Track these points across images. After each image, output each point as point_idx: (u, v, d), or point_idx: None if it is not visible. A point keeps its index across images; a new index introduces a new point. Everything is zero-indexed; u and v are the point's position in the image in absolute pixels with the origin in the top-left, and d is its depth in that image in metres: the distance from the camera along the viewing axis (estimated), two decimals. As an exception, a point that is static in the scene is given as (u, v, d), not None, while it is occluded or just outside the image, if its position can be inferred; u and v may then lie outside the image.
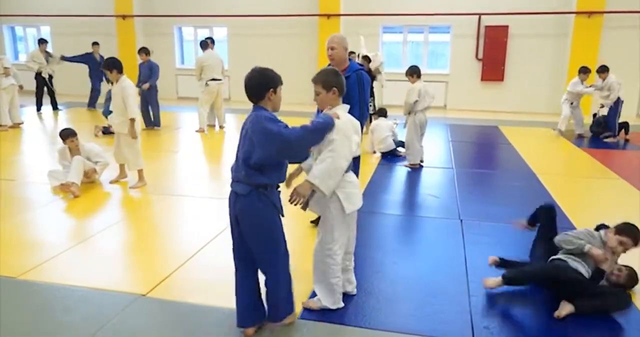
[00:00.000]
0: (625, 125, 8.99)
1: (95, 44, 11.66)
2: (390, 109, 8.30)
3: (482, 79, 12.60)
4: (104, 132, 8.65)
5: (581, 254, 3.27)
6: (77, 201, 5.27)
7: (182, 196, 5.53)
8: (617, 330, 2.99)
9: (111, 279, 3.52)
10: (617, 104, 8.82)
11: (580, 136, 9.15)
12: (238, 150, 2.71)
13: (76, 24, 14.47)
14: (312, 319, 2.99)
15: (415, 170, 6.77)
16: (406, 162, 6.96)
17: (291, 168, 2.96)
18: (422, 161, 6.92)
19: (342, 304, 3.10)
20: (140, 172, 5.79)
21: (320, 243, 3.00)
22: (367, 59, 8.93)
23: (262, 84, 2.66)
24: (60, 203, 5.23)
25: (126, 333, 2.86)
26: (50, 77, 11.49)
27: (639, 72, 11.31)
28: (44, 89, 11.46)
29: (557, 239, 3.41)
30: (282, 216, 2.78)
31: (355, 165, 3.41)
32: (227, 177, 6.09)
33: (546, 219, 3.74)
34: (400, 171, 6.78)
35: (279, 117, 2.67)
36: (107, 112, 8.31)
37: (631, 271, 3.43)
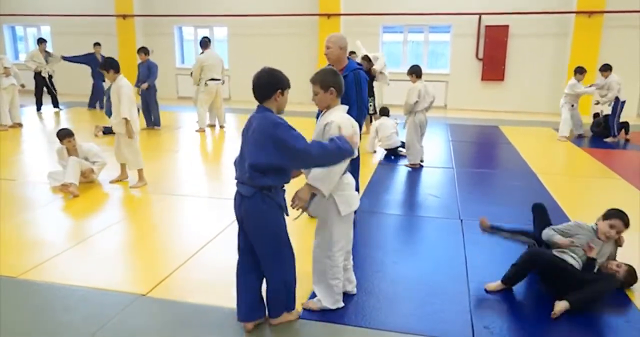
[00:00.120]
0: (625, 125, 8.98)
1: (97, 44, 11.65)
2: (390, 109, 8.30)
3: (482, 79, 12.60)
4: (104, 132, 8.65)
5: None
6: (78, 200, 5.27)
7: (182, 196, 5.54)
8: (618, 330, 2.99)
9: (111, 278, 3.52)
10: (617, 104, 8.78)
11: (580, 136, 9.14)
12: (242, 151, 2.71)
13: (76, 23, 14.47)
14: (312, 319, 2.99)
15: (416, 170, 6.77)
16: (406, 162, 6.96)
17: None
18: (422, 161, 6.92)
19: (342, 304, 3.10)
20: (140, 171, 5.79)
21: (320, 245, 3.00)
22: (367, 59, 8.92)
23: (270, 84, 2.67)
24: (61, 203, 5.23)
25: (126, 333, 2.86)
26: (50, 76, 11.49)
27: (639, 72, 11.31)
28: (43, 88, 11.46)
29: (542, 236, 3.57)
30: (287, 215, 2.79)
31: (354, 166, 3.41)
32: (227, 177, 6.11)
33: (541, 218, 3.86)
34: (401, 171, 6.78)
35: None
36: (109, 113, 8.31)
37: (630, 268, 3.44)
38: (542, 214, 3.89)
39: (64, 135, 5.70)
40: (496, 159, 8.04)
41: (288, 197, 2.80)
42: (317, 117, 3.12)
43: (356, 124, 3.00)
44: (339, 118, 2.85)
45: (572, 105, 9.05)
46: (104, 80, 11.59)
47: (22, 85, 9.82)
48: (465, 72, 12.66)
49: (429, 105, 6.80)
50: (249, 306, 2.85)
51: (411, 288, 3.43)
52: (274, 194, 2.68)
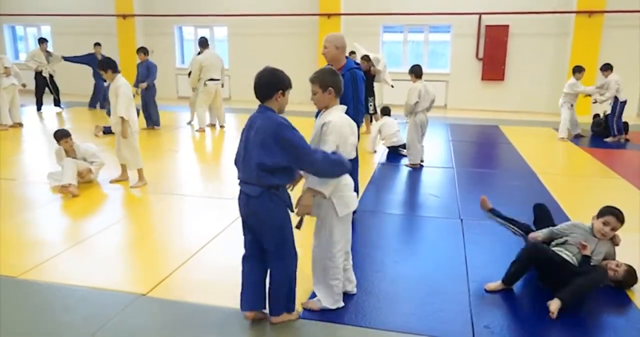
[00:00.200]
0: (625, 125, 8.96)
1: (97, 44, 11.64)
2: (391, 109, 8.30)
3: (482, 79, 12.60)
4: (104, 132, 8.65)
5: (564, 244, 3.47)
6: (78, 200, 5.27)
7: (182, 196, 5.54)
8: (618, 330, 2.98)
9: (111, 278, 3.52)
10: (616, 103, 8.75)
11: (578, 136, 9.11)
12: (245, 150, 2.71)
13: (76, 23, 14.47)
14: (312, 319, 2.99)
15: (416, 170, 6.77)
16: (407, 162, 6.96)
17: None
18: (422, 161, 6.92)
19: (342, 304, 3.10)
20: (140, 171, 5.79)
21: (319, 246, 3.00)
22: (366, 58, 8.92)
23: (271, 84, 2.68)
24: (61, 203, 5.23)
25: (126, 333, 2.86)
26: (51, 76, 11.49)
27: (639, 72, 11.30)
28: (44, 88, 11.45)
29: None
30: (292, 211, 2.83)
31: (352, 166, 3.40)
32: (227, 176, 6.11)
33: (542, 218, 3.90)
34: (401, 171, 6.78)
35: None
36: (110, 112, 8.32)
37: (630, 268, 3.44)
38: (544, 214, 3.92)
39: (61, 136, 5.69)
40: (496, 159, 8.04)
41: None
42: (316, 117, 3.12)
43: (354, 125, 3.00)
44: (338, 118, 2.85)
45: (572, 105, 9.05)
46: (105, 80, 11.60)
47: (24, 85, 9.82)
48: (465, 72, 12.66)
49: (430, 105, 6.79)
50: (250, 295, 2.90)
51: (411, 288, 3.43)
52: (281, 192, 2.72)
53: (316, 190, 2.79)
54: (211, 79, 9.18)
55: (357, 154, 3.60)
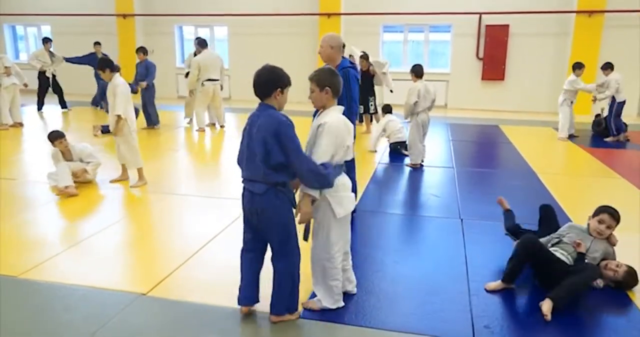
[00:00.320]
0: (624, 125, 8.95)
1: (97, 43, 11.64)
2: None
3: (482, 78, 12.60)
4: (102, 131, 8.64)
5: (559, 243, 3.51)
6: (77, 200, 5.27)
7: (182, 195, 5.53)
8: (618, 330, 2.98)
9: (112, 278, 3.52)
10: (613, 104, 8.72)
11: (572, 136, 9.00)
12: (248, 148, 2.71)
13: (77, 23, 14.48)
14: (312, 318, 2.99)
15: (416, 169, 6.76)
16: (407, 162, 6.96)
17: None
18: (422, 161, 6.91)
19: (342, 304, 3.09)
20: (139, 170, 5.79)
21: (318, 247, 2.99)
22: (365, 58, 8.92)
23: (270, 82, 2.69)
24: (61, 202, 5.22)
25: (126, 332, 2.86)
26: (54, 76, 11.48)
27: (639, 72, 11.30)
28: (47, 88, 11.44)
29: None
30: (295, 208, 2.84)
31: (350, 167, 3.40)
32: (227, 176, 6.11)
33: (547, 220, 3.89)
34: (401, 171, 6.78)
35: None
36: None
37: (630, 269, 3.43)
38: (549, 215, 3.92)
39: (55, 137, 5.67)
40: (496, 159, 8.04)
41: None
42: (314, 116, 3.12)
43: (351, 125, 2.98)
44: (335, 120, 2.83)
45: (571, 102, 9.01)
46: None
47: (25, 85, 9.81)
48: (465, 71, 12.66)
49: (431, 105, 6.78)
50: (248, 289, 2.95)
51: (411, 287, 3.43)
52: (286, 189, 2.74)
53: (312, 195, 2.78)
54: (209, 79, 9.17)
55: (354, 154, 3.60)
